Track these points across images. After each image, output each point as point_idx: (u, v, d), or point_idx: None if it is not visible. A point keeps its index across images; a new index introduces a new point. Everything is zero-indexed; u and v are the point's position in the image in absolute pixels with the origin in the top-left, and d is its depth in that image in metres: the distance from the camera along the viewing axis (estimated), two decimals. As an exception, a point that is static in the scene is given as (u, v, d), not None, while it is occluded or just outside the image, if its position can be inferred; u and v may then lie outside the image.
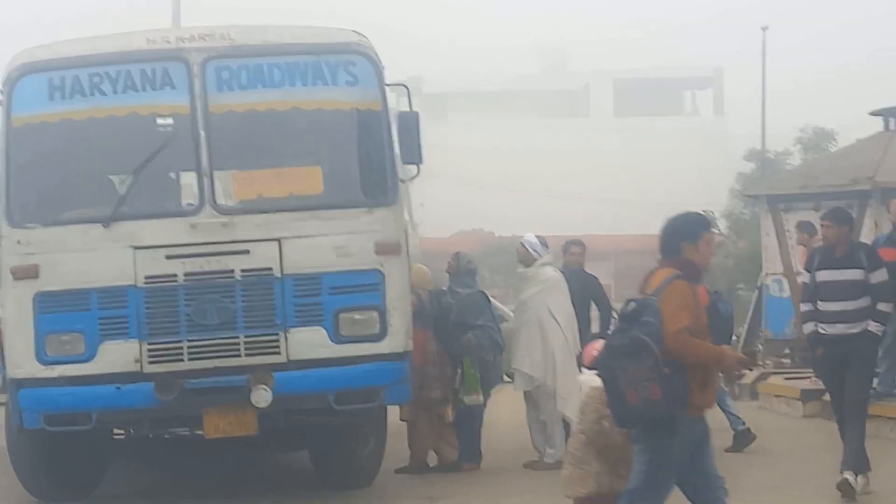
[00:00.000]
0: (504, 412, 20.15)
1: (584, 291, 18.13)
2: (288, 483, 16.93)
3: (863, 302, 14.09)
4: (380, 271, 14.69)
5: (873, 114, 30.10)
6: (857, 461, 13.95)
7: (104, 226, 14.44)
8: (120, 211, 14.52)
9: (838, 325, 14.12)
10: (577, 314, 17.28)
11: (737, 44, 71.45)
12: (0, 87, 14.85)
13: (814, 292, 14.54)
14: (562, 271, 17.65)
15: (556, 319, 17.02)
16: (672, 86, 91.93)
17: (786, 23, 71.24)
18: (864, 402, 14.54)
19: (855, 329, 14.02)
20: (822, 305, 14.39)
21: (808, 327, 14.73)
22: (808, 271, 14.99)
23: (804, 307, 14.91)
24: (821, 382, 17.39)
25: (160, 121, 15.00)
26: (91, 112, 14.80)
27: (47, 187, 14.94)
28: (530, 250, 17.64)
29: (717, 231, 48.98)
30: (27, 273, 14.43)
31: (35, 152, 14.86)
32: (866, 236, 27.46)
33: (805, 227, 22.25)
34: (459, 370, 17.19)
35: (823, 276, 14.41)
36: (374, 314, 14.64)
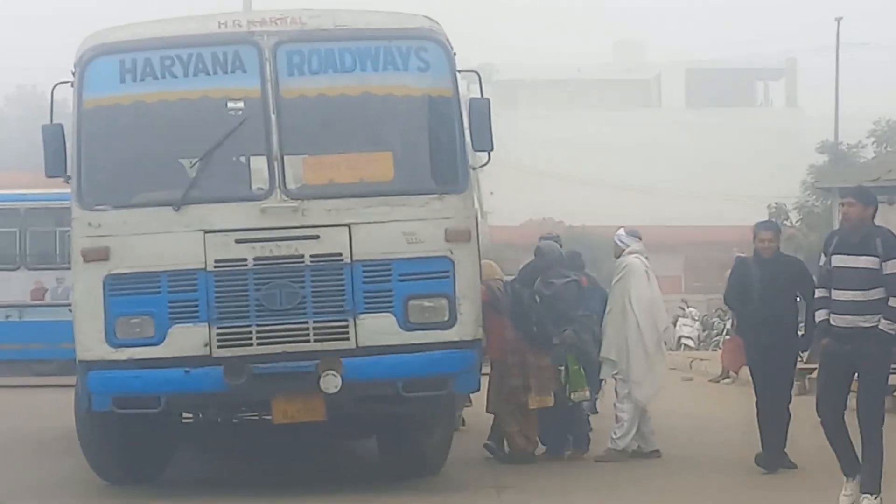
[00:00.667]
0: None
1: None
2: (354, 471, 16.96)
3: (876, 293, 13.04)
4: (449, 258, 14.67)
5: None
6: (874, 480, 13.03)
7: (175, 209, 14.48)
8: (190, 194, 14.55)
9: (847, 317, 13.18)
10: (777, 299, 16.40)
11: (811, 35, 70.69)
12: (72, 68, 14.89)
13: (828, 278, 13.63)
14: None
15: (631, 305, 16.99)
16: (744, 76, 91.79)
17: (860, 13, 70.51)
18: (877, 416, 13.26)
19: (865, 323, 13.01)
20: (834, 294, 13.48)
21: (821, 315, 13.80)
22: (825, 255, 13.87)
23: (818, 293, 14.03)
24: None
25: (231, 104, 15.04)
26: (162, 95, 14.86)
27: (118, 170, 15.04)
28: (618, 242, 17.92)
29: (788, 224, 49.07)
30: (98, 255, 14.49)
31: (106, 134, 14.94)
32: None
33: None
34: (563, 368, 17.12)
35: (838, 261, 13.42)
36: (444, 301, 14.62)
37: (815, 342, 15.79)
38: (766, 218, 46.10)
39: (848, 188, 15.54)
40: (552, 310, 17.35)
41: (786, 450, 15.90)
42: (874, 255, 13.06)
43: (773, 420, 15.92)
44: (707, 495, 14.33)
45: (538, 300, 17.47)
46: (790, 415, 15.88)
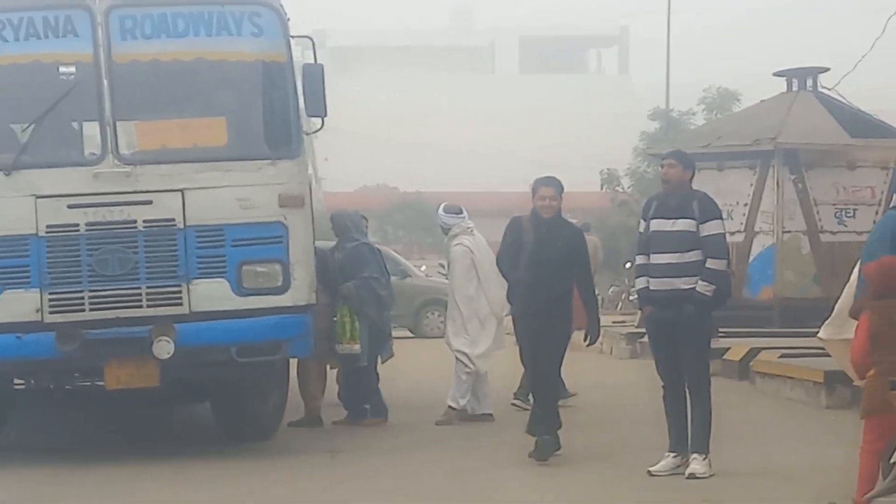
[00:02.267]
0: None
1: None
2: (188, 436, 16.91)
3: (693, 255, 13.16)
4: (283, 224, 14.77)
5: (777, 74, 30.34)
6: (703, 440, 13.22)
7: (5, 174, 14.40)
8: (21, 159, 14.51)
9: (665, 279, 13.32)
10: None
11: (643, 2, 71.50)
12: None
13: (647, 244, 13.66)
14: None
15: (455, 300, 17.71)
16: (577, 44, 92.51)
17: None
18: (703, 380, 13.48)
19: (684, 285, 13.13)
20: (652, 258, 13.59)
21: (640, 282, 13.95)
22: (644, 220, 13.94)
23: (638, 260, 14.07)
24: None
25: (63, 69, 14.92)
26: None
27: None
28: (441, 223, 18.26)
29: (620, 189, 49.57)
30: None
31: None
32: (767, 196, 27.79)
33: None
34: (335, 319, 17.33)
35: (656, 224, 13.52)
36: (278, 267, 14.75)
37: (640, 309, 15.98)
38: (596, 188, 46.75)
39: (670, 151, 15.42)
40: (343, 271, 17.75)
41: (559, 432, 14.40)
42: (691, 218, 13.20)
43: (545, 393, 14.72)
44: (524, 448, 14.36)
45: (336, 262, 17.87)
46: (559, 393, 15.38)
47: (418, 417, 17.63)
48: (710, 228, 13.22)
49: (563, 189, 14.45)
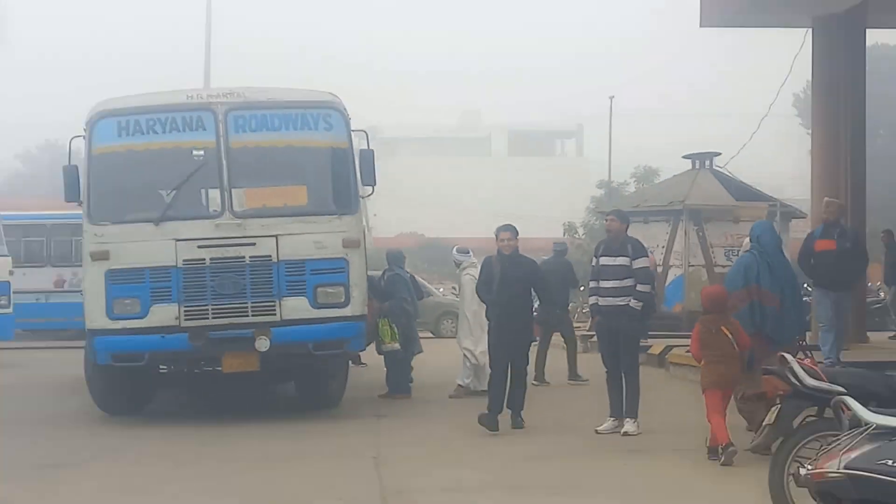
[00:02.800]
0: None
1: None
2: (279, 405, 16.91)
3: (628, 282, 13.55)
4: (345, 259, 14.84)
5: (685, 157, 30.32)
6: (634, 408, 13.62)
7: (154, 224, 14.61)
8: (166, 214, 14.68)
9: (609, 298, 13.63)
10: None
11: (596, 103, 71.77)
12: (83, 126, 15.02)
13: (597, 273, 13.97)
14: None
15: (465, 314, 17.70)
16: (548, 135, 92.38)
17: (629, 90, 71.53)
18: (634, 367, 13.90)
19: (621, 302, 13.50)
20: (601, 283, 13.92)
21: (592, 300, 14.28)
22: (595, 257, 14.41)
23: (590, 284, 14.36)
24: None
25: (195, 152, 15.02)
26: (147, 145, 14.97)
27: (116, 197, 15.04)
28: (455, 259, 18.58)
29: (577, 236, 49.84)
30: (101, 256, 14.60)
31: (108, 172, 14.95)
32: (678, 241, 27.77)
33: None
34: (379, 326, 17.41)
35: (604, 260, 13.89)
36: (341, 289, 14.81)
37: (591, 319, 16.25)
38: (559, 235, 46.73)
39: (612, 210, 15.68)
40: (385, 292, 17.97)
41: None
42: (627, 256, 13.59)
43: (504, 385, 14.08)
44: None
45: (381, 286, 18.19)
46: (526, 385, 14.38)
47: (437, 393, 17.58)
48: (639, 263, 13.63)
49: (517, 233, 14.27)
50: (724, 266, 28.03)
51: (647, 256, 14.41)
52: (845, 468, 6.51)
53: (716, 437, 11.38)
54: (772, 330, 12.26)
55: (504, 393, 13.92)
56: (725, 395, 11.67)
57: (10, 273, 25.08)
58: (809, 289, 18.49)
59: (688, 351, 13.99)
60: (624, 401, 13.66)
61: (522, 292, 14.17)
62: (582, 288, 39.15)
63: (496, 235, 14.29)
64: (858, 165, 22.86)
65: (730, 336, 11.64)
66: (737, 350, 11.63)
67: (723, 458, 11.22)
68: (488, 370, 15.30)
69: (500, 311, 13.92)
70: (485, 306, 14.79)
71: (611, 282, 13.76)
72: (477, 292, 15.05)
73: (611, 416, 13.72)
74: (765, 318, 12.27)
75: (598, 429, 13.59)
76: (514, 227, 14.23)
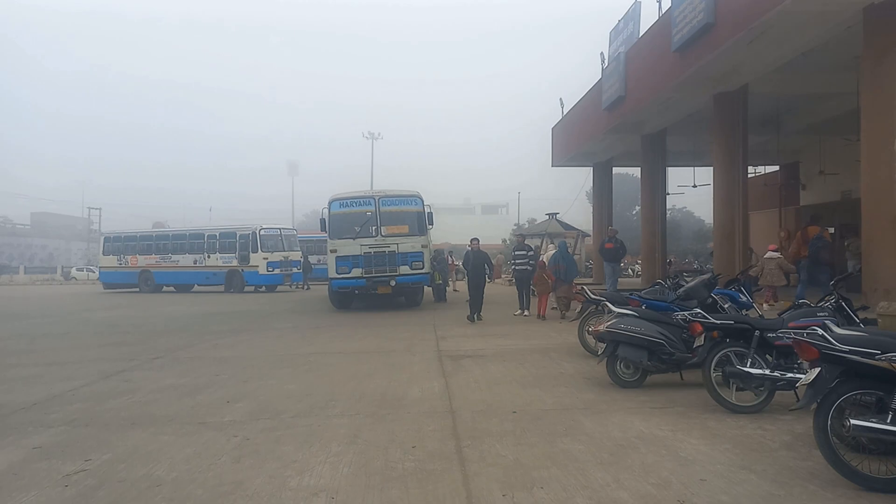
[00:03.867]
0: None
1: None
2: (398, 305, 16.65)
3: (525, 260, 12.83)
4: (422, 252, 14.56)
5: (547, 214, 29.56)
6: (523, 306, 12.69)
7: (353, 239, 14.41)
8: (357, 235, 14.43)
9: (519, 267, 12.95)
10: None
11: (510, 192, 71.15)
12: (327, 203, 14.82)
13: (515, 258, 13.21)
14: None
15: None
16: (496, 206, 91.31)
17: (526, 186, 71.42)
18: (528, 288, 12.76)
19: (523, 267, 12.73)
20: (517, 262, 12.98)
21: (513, 266, 13.34)
22: (513, 251, 13.49)
23: (513, 262, 13.29)
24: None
25: (367, 213, 14.77)
26: (350, 211, 14.71)
27: (339, 229, 14.65)
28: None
29: (504, 242, 48.58)
30: (333, 251, 14.43)
31: (336, 220, 14.67)
32: (544, 248, 27.27)
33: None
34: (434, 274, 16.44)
35: (516, 253, 13.10)
36: (421, 263, 14.54)
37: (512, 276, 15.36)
38: (498, 245, 45.65)
39: (519, 234, 15.14)
40: (438, 261, 17.06)
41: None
42: (524, 251, 13.31)
43: (476, 304, 12.03)
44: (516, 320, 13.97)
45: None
46: (482, 299, 12.16)
47: (459, 303, 17.16)
48: (529, 253, 13.21)
49: (479, 241, 12.51)
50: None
51: (532, 250, 13.54)
52: (606, 328, 6.49)
53: (540, 311, 12.20)
54: (562, 275, 12.27)
55: (476, 306, 12.01)
56: (545, 297, 12.33)
57: (301, 258, 25.27)
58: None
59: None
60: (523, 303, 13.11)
61: (481, 266, 12.36)
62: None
63: (470, 242, 12.62)
64: (609, 215, 22.61)
65: (545, 276, 12.32)
66: (549, 281, 12.31)
67: (538, 318, 11.99)
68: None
69: (471, 274, 12.29)
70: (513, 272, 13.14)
71: (520, 261, 13.13)
72: (463, 265, 13.11)
73: (519, 309, 13.06)
74: (558, 272, 12.20)
75: (514, 313, 12.96)
76: (478, 239, 12.70)
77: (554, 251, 13.36)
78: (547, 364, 7.69)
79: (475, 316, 11.93)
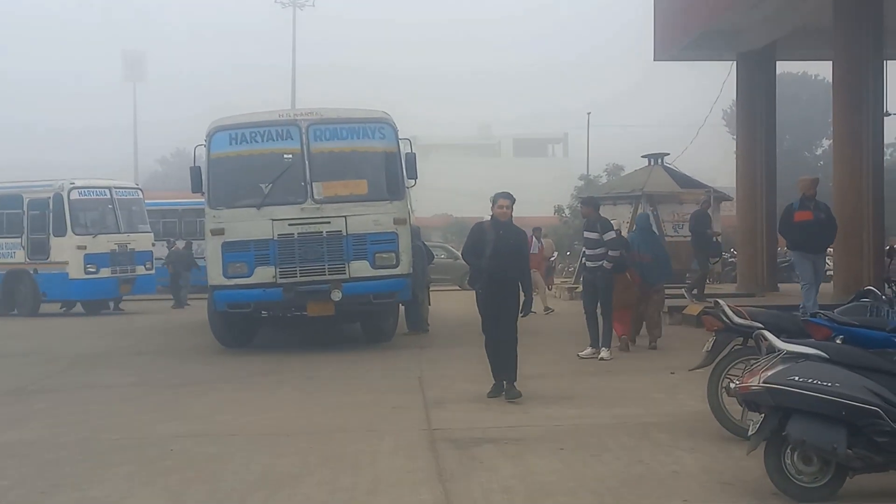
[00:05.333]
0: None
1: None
2: (348, 339, 16.94)
3: (600, 250, 13.43)
4: (396, 233, 14.89)
5: (643, 156, 30.17)
6: (607, 340, 13.58)
7: (257, 209, 14.67)
8: (265, 201, 14.71)
9: (591, 262, 13.62)
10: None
11: (576, 119, 71.21)
12: (204, 137, 15.15)
13: (584, 243, 14.27)
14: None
15: None
16: (542, 142, 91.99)
17: (602, 107, 71.19)
18: (608, 309, 13.61)
19: (596, 264, 13.45)
20: (586, 251, 14.20)
21: (581, 262, 14.69)
22: (583, 231, 14.45)
23: (585, 251, 14.52)
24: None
25: (285, 156, 15.04)
26: (250, 151, 15.06)
27: (228, 189, 15.04)
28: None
29: (564, 215, 49.28)
30: (218, 232, 14.71)
31: (222, 171, 15.02)
32: (632, 220, 27.72)
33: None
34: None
35: (586, 234, 13.95)
36: (393, 255, 14.84)
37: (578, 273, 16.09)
38: (551, 215, 46.53)
39: (585, 197, 15.78)
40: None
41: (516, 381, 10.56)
42: (597, 231, 13.62)
43: (503, 354, 10.52)
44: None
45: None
46: (517, 353, 10.57)
47: (459, 330, 17.46)
48: (607, 237, 13.52)
49: (514, 200, 10.71)
50: (671, 236, 28.04)
51: (613, 230, 13.92)
52: (763, 383, 6.52)
53: (621, 332, 14.24)
54: (645, 275, 14.41)
55: (496, 358, 10.62)
56: (627, 312, 14.32)
57: (152, 245, 25.42)
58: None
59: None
60: (600, 334, 13.55)
61: (514, 261, 10.51)
62: (568, 253, 39.43)
63: (493, 202, 10.76)
64: (771, 161, 22.84)
65: (628, 277, 14.15)
66: (633, 285, 14.29)
67: (619, 344, 14.04)
68: None
69: (491, 278, 10.45)
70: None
71: (590, 250, 13.75)
72: (463, 257, 11.34)
73: (590, 346, 13.57)
74: (642, 268, 14.35)
75: (580, 354, 13.52)
76: (512, 195, 10.76)
77: (630, 233, 15.42)
78: (649, 455, 7.82)
79: (506, 388, 10.50)
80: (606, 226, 13.74)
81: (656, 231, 14.21)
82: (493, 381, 10.63)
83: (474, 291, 10.84)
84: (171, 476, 7.53)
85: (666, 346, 14.45)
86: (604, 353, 13.34)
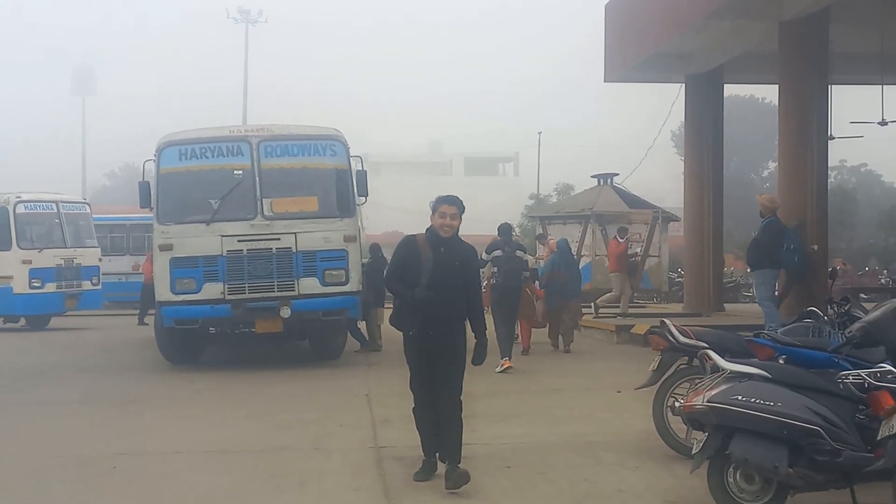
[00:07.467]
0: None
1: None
2: (296, 356, 16.84)
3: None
4: (346, 250, 14.84)
5: (593, 176, 30.45)
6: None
7: (206, 224, 14.57)
8: (215, 217, 14.61)
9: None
10: None
11: (526, 138, 71.46)
12: (154, 152, 15.03)
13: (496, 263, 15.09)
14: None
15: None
16: (493, 161, 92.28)
17: (552, 126, 71.23)
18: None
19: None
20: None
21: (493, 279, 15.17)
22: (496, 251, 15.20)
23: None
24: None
25: (236, 172, 14.95)
26: (200, 167, 14.95)
27: (177, 204, 14.92)
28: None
29: (516, 233, 49.56)
30: (167, 248, 14.59)
31: (172, 186, 14.88)
32: (588, 237, 27.89)
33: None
34: None
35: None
36: (343, 272, 14.78)
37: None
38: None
39: (501, 224, 16.11)
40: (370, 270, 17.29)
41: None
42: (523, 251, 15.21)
43: (443, 423, 7.43)
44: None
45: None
46: (461, 421, 7.47)
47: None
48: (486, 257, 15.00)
49: (463, 209, 7.70)
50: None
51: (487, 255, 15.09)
52: (707, 402, 6.56)
53: (523, 342, 16.29)
54: (563, 292, 16.42)
55: (432, 429, 7.58)
56: (526, 322, 16.32)
57: (100, 260, 25.17)
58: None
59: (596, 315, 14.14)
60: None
61: (461, 290, 7.53)
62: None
63: (433, 209, 7.74)
64: (718, 183, 23.07)
65: (528, 292, 15.85)
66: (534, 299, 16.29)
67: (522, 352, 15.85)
68: None
69: (428, 317, 7.44)
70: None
71: (504, 267, 14.78)
72: (385, 283, 8.37)
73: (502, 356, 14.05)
74: (561, 286, 16.34)
75: (497, 370, 13.70)
76: (460, 202, 7.78)
77: (551, 254, 17.30)
78: (594, 473, 7.85)
79: (447, 470, 7.36)
80: (513, 243, 15.45)
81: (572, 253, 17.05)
82: (424, 458, 7.70)
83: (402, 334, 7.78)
84: (113, 495, 7.46)
85: (612, 361, 14.55)
86: (507, 365, 14.02)
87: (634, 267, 21.94)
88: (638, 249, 26.05)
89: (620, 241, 21.66)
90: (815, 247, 16.68)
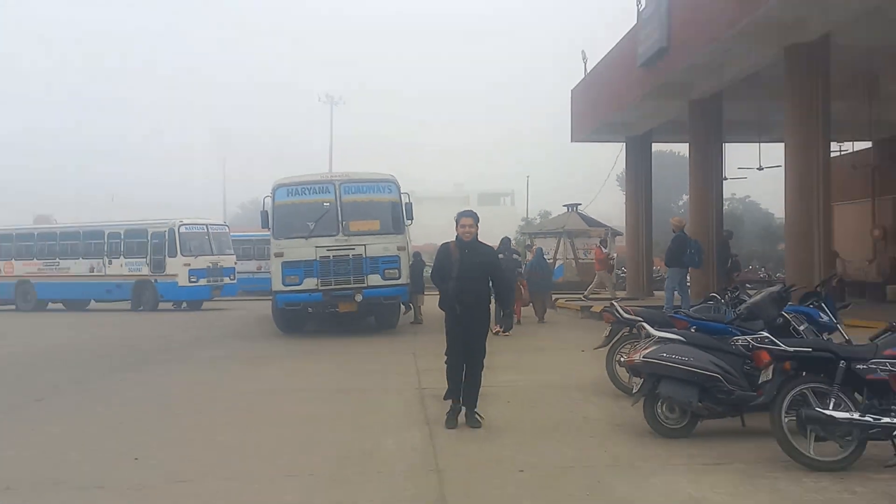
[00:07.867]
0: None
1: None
2: (366, 327, 16.77)
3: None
4: (398, 256, 14.66)
5: (564, 205, 30.23)
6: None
7: (305, 239, 14.46)
8: (311, 234, 14.49)
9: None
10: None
11: (519, 178, 71.56)
12: (270, 190, 14.92)
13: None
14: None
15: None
16: (497, 195, 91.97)
17: (537, 171, 71.69)
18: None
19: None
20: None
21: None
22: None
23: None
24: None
25: (325, 204, 14.84)
26: (301, 201, 14.83)
27: (286, 225, 14.75)
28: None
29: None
30: (279, 255, 14.48)
31: (282, 214, 14.77)
32: (561, 248, 27.67)
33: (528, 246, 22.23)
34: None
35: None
36: (397, 270, 14.61)
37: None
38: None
39: (531, 233, 15.92)
40: (416, 268, 17.32)
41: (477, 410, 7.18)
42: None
43: (461, 375, 7.14)
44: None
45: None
46: (480, 379, 7.19)
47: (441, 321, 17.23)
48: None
49: (478, 219, 7.33)
50: (581, 259, 28.00)
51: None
52: (643, 358, 6.55)
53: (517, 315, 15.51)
54: (536, 285, 16.19)
55: (461, 383, 7.15)
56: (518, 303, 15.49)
57: (235, 263, 25.32)
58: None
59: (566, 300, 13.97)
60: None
61: (481, 280, 7.19)
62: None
63: (457, 221, 7.38)
64: (648, 209, 22.96)
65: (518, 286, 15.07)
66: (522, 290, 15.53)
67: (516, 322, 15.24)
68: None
69: (457, 300, 7.10)
70: None
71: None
72: (432, 278, 7.69)
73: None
74: (536, 281, 16.13)
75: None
76: (476, 214, 7.41)
77: (531, 258, 17.15)
78: (565, 406, 7.77)
79: (467, 415, 7.13)
80: (511, 250, 15.55)
81: (548, 259, 17.07)
82: (451, 404, 7.14)
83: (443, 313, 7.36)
84: (247, 419, 7.49)
85: (577, 330, 14.42)
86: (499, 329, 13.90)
87: (611, 266, 21.86)
88: (614, 254, 26.00)
89: (604, 249, 21.98)
90: (737, 254, 16.86)
